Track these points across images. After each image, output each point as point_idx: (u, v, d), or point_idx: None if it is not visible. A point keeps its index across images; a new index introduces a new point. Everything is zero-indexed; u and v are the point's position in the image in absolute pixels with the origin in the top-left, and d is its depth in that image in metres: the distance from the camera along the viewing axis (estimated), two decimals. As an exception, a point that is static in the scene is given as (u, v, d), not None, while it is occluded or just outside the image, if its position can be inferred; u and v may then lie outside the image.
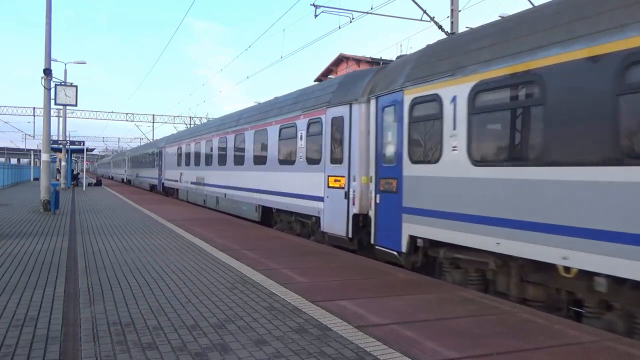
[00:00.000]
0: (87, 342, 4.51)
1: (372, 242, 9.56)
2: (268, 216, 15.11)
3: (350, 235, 10.20)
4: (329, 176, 11.06)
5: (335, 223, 10.67)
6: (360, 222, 10.10)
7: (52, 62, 19.11)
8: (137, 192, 33.53)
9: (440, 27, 15.45)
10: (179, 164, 26.88)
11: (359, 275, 7.71)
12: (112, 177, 75.59)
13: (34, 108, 56.89)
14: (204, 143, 21.80)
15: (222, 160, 19.03)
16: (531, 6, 12.74)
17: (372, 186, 9.56)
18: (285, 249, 10.16)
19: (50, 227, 13.36)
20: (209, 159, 20.99)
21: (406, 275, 7.85)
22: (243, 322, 5.21)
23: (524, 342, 4.74)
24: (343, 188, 10.42)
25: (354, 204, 10.08)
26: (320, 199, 11.37)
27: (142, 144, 63.23)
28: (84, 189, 36.25)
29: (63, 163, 36.66)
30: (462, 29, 15.17)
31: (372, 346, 4.53)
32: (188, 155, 24.77)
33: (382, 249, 9.26)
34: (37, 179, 51.26)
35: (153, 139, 56.79)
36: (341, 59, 41.68)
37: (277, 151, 13.93)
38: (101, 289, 6.53)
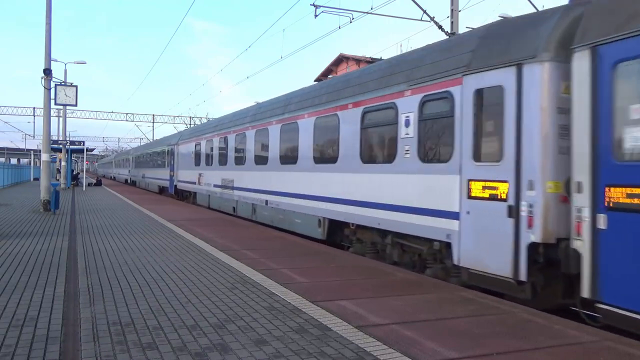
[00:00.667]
0: (87, 342, 4.51)
1: (585, 294, 5.75)
2: (338, 233, 11.36)
3: (521, 277, 6.44)
4: (471, 180, 7.34)
5: (488, 255, 6.98)
6: (540, 256, 6.44)
7: (52, 62, 19.12)
8: (137, 192, 33.52)
9: (440, 27, 15.45)
10: (197, 164, 22.92)
11: (359, 275, 7.71)
12: (114, 178, 71.92)
13: (34, 108, 56.99)
14: (233, 138, 17.87)
15: (262, 158, 15.16)
16: (531, 7, 12.69)
17: (584, 199, 5.81)
18: (285, 249, 10.16)
19: (50, 227, 13.36)
20: (240, 156, 17.10)
21: (406, 275, 7.84)
22: (243, 322, 5.21)
23: (524, 342, 4.74)
24: (504, 200, 6.76)
25: (530, 226, 6.42)
26: (452, 216, 7.65)
27: (142, 143, 63.24)
28: (84, 189, 36.26)
29: (63, 163, 36.68)
30: (462, 29, 15.19)
31: (372, 346, 4.54)
32: (210, 152, 20.82)
33: (622, 312, 5.35)
34: (37, 179, 51.28)
35: (153, 139, 56.71)
36: (341, 59, 41.68)
37: (359, 144, 10.12)
38: (101, 289, 6.53)
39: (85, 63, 39.30)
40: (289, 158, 13.32)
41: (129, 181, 53.09)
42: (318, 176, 11.74)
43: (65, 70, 35.63)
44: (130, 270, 7.81)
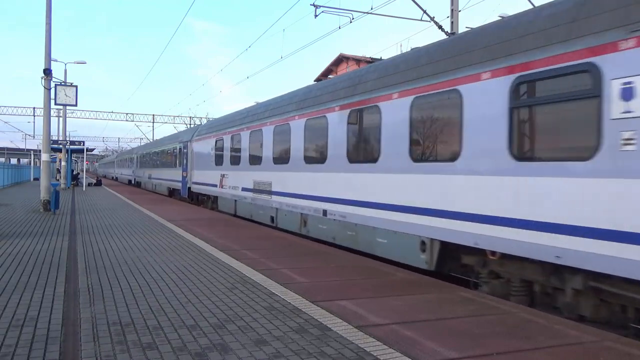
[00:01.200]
0: (87, 342, 4.51)
1: None
2: (452, 261, 8.12)
3: None
4: None
5: None
6: None
7: (52, 62, 19.13)
8: (138, 193, 33.49)
9: (440, 27, 15.46)
10: (218, 163, 19.64)
11: (359, 275, 7.71)
12: (117, 179, 68.23)
13: (34, 108, 57.15)
14: (271, 131, 14.42)
15: (316, 155, 11.83)
16: (531, 6, 12.69)
17: None
18: (285, 249, 10.16)
19: (50, 227, 13.36)
20: (282, 154, 13.67)
21: (406, 275, 7.84)
22: (243, 322, 5.21)
23: (524, 342, 4.74)
24: None
25: None
26: None
27: (142, 143, 63.23)
28: (83, 189, 36.26)
29: (63, 163, 36.70)
30: (462, 29, 15.19)
31: (372, 346, 4.54)
32: (237, 150, 17.46)
33: None
34: (37, 179, 51.29)
35: (153, 139, 56.66)
36: (341, 59, 41.69)
37: (506, 133, 6.79)
38: (101, 289, 6.53)
39: (85, 63, 39.36)
40: (365, 155, 9.99)
41: (133, 182, 49.67)
42: (420, 180, 8.39)
43: (65, 70, 35.75)
44: (130, 270, 7.81)
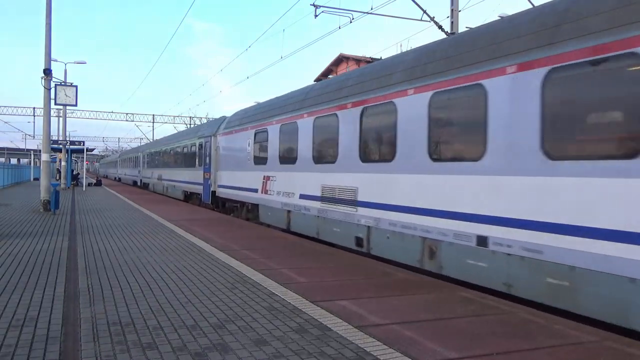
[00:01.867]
0: (87, 342, 4.51)
1: None
2: None
3: None
4: None
5: None
6: None
7: (52, 62, 19.13)
8: (137, 192, 33.48)
9: (440, 27, 15.47)
10: (260, 161, 15.37)
11: (359, 275, 7.71)
12: (120, 179, 63.41)
13: (34, 108, 57.30)
14: (356, 115, 10.12)
15: (461, 149, 7.59)
16: (531, 6, 12.65)
17: None
18: (285, 249, 10.16)
19: (50, 227, 13.36)
20: (379, 148, 9.60)
21: (406, 275, 7.84)
22: (243, 322, 5.22)
23: (524, 342, 4.74)
24: None
25: None
26: None
27: (142, 143, 63.14)
28: (84, 189, 36.26)
29: (63, 163, 36.71)
30: (462, 29, 15.19)
31: (372, 346, 4.54)
32: (291, 143, 13.23)
33: None
34: (37, 179, 51.30)
35: (153, 139, 56.57)
36: (341, 59, 41.69)
37: None
38: (101, 289, 6.53)
39: (85, 63, 39.46)
40: (584, 147, 5.74)
41: (139, 183, 44.44)
42: None
43: (65, 70, 35.83)
44: (130, 270, 7.81)
